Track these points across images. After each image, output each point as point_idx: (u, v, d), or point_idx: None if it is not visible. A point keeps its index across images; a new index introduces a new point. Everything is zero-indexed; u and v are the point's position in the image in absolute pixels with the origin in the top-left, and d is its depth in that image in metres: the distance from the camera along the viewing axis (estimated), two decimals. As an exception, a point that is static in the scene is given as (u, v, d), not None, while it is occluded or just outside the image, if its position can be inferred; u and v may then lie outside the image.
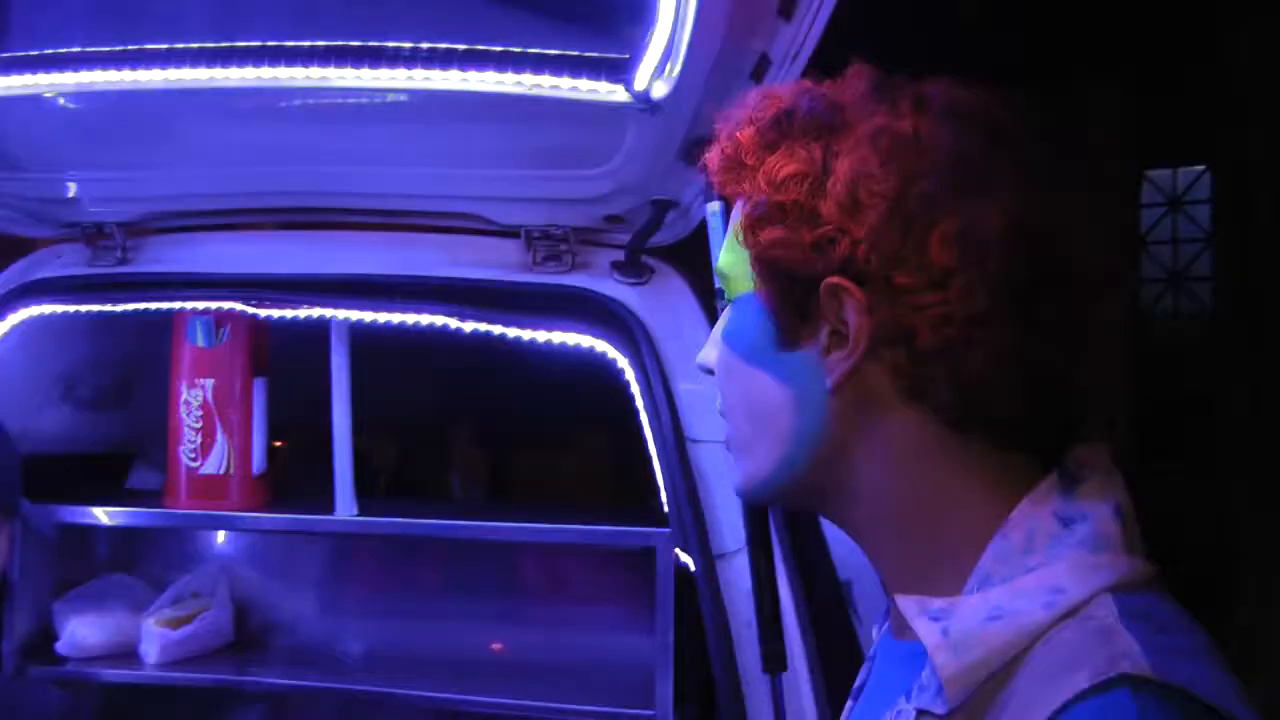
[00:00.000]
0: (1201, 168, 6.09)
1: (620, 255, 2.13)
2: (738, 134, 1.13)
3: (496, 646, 2.53)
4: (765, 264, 1.07)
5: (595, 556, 2.52)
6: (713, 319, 2.04)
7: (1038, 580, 0.96)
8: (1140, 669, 0.86)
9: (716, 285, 1.21)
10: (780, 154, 1.08)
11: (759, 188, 1.08)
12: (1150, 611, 0.93)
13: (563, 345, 2.13)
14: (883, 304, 1.00)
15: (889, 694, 1.08)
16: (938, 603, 1.00)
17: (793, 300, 1.06)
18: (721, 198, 1.20)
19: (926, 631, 0.98)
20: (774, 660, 1.68)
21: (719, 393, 1.18)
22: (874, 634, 1.29)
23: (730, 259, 1.14)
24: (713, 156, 1.16)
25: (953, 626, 0.97)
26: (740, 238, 1.11)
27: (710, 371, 1.19)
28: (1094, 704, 0.85)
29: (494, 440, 3.45)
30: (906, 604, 1.01)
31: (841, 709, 1.37)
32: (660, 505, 2.15)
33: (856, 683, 1.26)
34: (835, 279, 1.02)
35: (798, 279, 1.05)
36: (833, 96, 1.09)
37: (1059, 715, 0.86)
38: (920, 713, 0.99)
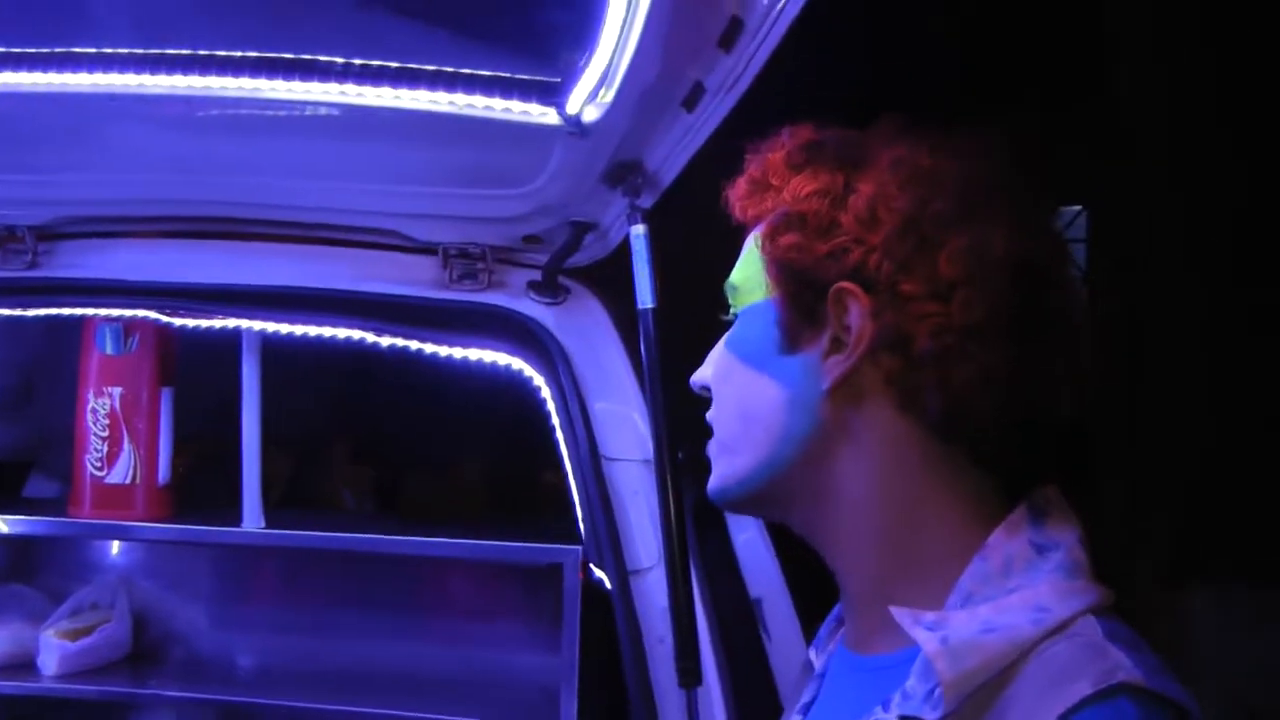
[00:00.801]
0: (1078, 208, 6.24)
1: (537, 275, 2.16)
2: (768, 156, 1.21)
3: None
4: (781, 266, 1.15)
5: (499, 572, 2.53)
6: (627, 339, 2.09)
7: (1021, 600, 1.03)
8: (1136, 679, 0.94)
9: (729, 305, 1.26)
10: (806, 174, 1.17)
11: (782, 201, 1.17)
12: (1123, 634, 1.01)
13: (478, 362, 2.15)
14: (887, 309, 1.08)
15: (851, 708, 1.12)
16: (929, 616, 1.05)
17: (801, 304, 1.13)
18: (739, 222, 1.27)
19: (925, 639, 1.03)
20: (689, 675, 1.70)
21: (713, 399, 1.24)
22: (812, 656, 1.34)
23: (744, 273, 1.22)
24: (739, 182, 1.24)
25: (950, 636, 1.02)
26: (759, 245, 1.19)
27: (705, 389, 1.26)
28: (1099, 709, 0.92)
29: (382, 456, 3.43)
30: (901, 614, 1.06)
31: None
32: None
33: (803, 699, 1.29)
34: (845, 283, 1.09)
35: (808, 282, 1.12)
36: (856, 138, 1.19)
37: (1067, 718, 0.92)
38: None
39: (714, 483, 1.24)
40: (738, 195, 1.25)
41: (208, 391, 2.52)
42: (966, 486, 1.11)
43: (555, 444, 2.13)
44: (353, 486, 3.38)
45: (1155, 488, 4.92)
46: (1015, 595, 1.03)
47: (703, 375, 1.27)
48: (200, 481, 2.69)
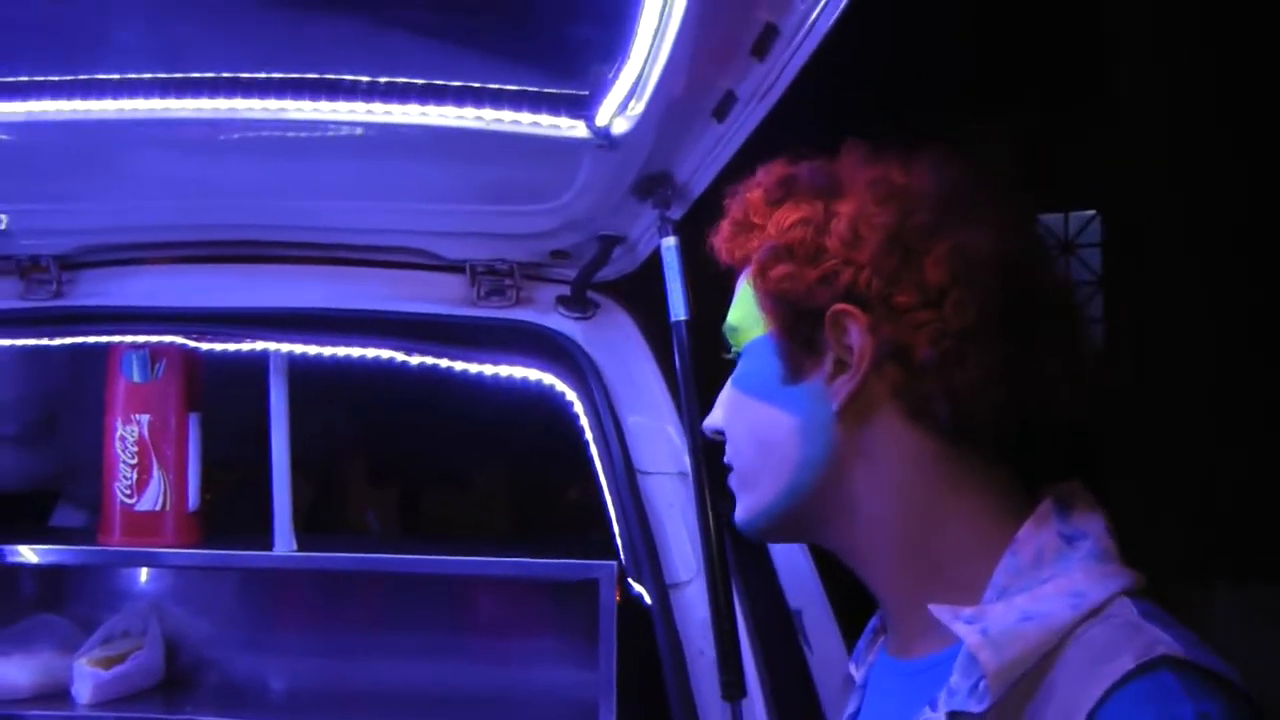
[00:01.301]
0: (1092, 212, 6.25)
1: (565, 290, 2.15)
2: (747, 197, 1.25)
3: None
4: (775, 298, 1.18)
5: (532, 590, 2.51)
6: (656, 352, 2.08)
7: (1056, 588, 1.06)
8: (1176, 652, 0.96)
9: (726, 342, 1.30)
10: (786, 207, 1.20)
11: (768, 236, 1.20)
12: (1158, 614, 1.03)
13: (499, 378, 2.15)
14: (884, 324, 1.11)
15: (897, 712, 1.16)
16: (967, 610, 1.07)
17: (799, 332, 1.17)
18: (729, 266, 1.30)
19: (966, 633, 1.05)
20: (733, 688, 1.69)
21: (728, 438, 1.27)
22: (852, 670, 1.36)
23: (740, 312, 1.26)
24: (724, 225, 1.28)
25: (990, 627, 1.04)
26: (751, 284, 1.22)
27: (718, 432, 1.30)
28: (1142, 683, 0.95)
29: (403, 474, 3.43)
30: (940, 611, 1.09)
31: None
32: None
33: (847, 712, 1.33)
34: (840, 305, 1.13)
35: (803, 311, 1.15)
36: (828, 167, 1.22)
37: (1110, 695, 0.95)
38: (953, 715, 1.05)
39: (740, 515, 1.28)
40: (723, 239, 1.29)
41: (234, 417, 2.51)
42: (986, 486, 1.14)
43: (581, 459, 2.13)
44: (377, 508, 3.38)
45: (1166, 486, 4.92)
46: (1049, 584, 1.06)
47: (714, 420, 1.31)
48: (231, 509, 2.68)
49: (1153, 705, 0.94)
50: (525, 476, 3.40)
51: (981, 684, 1.03)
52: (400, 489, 3.45)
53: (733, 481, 1.28)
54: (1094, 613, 1.03)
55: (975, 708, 1.03)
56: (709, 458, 1.77)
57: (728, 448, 1.28)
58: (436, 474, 3.41)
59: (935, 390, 1.11)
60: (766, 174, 1.25)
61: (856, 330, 1.12)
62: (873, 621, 1.35)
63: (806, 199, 1.19)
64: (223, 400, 2.51)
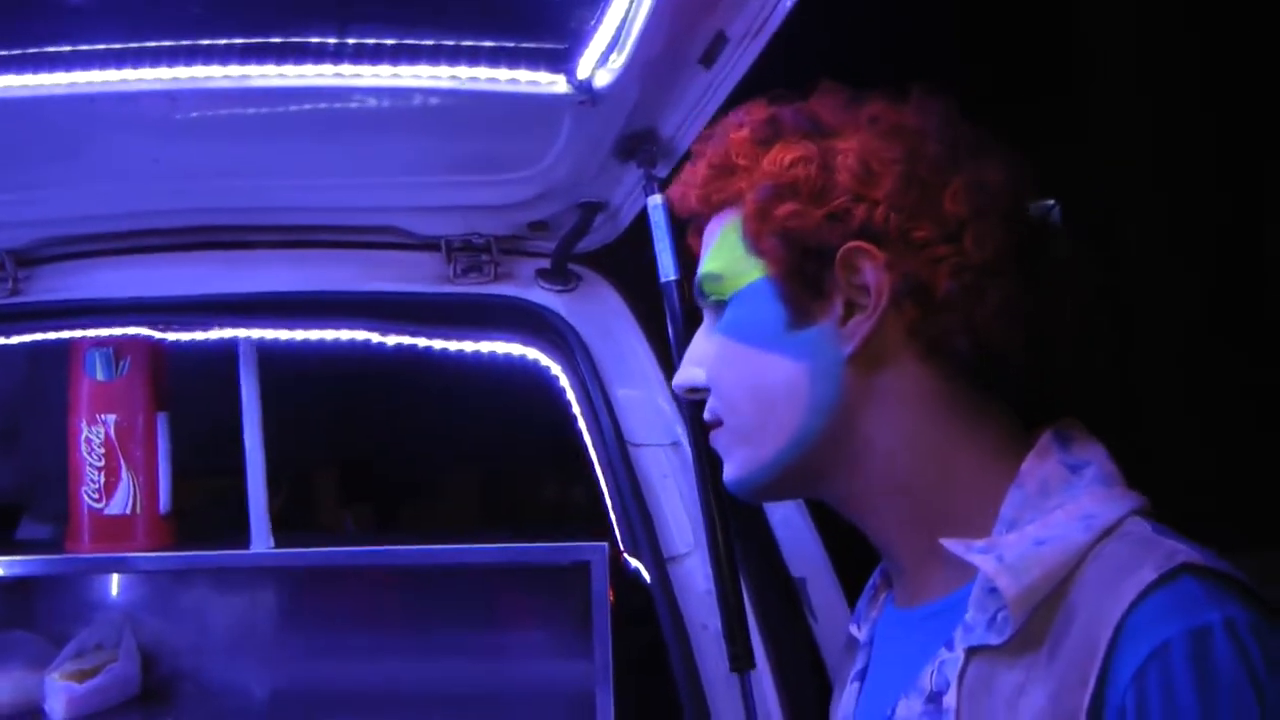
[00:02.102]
0: (1051, 202, 6.27)
1: (544, 263, 2.08)
2: (731, 138, 1.22)
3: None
4: (780, 238, 1.14)
5: (520, 579, 2.45)
6: (650, 322, 2.02)
7: (1066, 514, 1.05)
8: (1194, 560, 0.97)
9: (699, 291, 1.26)
10: (778, 148, 1.18)
11: (762, 176, 1.17)
12: (1170, 531, 1.04)
13: (490, 355, 2.08)
14: (902, 260, 1.10)
15: (911, 660, 1.13)
16: (979, 543, 1.07)
17: (806, 275, 1.14)
18: (680, 212, 1.26)
19: (983, 562, 1.04)
20: (741, 659, 1.64)
21: (714, 392, 1.23)
22: (854, 630, 1.33)
23: (723, 259, 1.22)
24: (697, 169, 1.25)
25: (1005, 554, 1.03)
26: (738, 227, 1.19)
27: (693, 390, 1.27)
28: (1164, 593, 0.95)
29: (374, 484, 3.36)
30: (953, 545, 1.08)
31: (805, 704, 1.41)
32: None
33: (854, 669, 1.30)
34: (854, 243, 1.11)
35: (811, 250, 1.13)
36: (808, 109, 1.21)
37: (1135, 608, 0.94)
38: (971, 651, 1.05)
39: (737, 473, 1.23)
40: (696, 183, 1.25)
41: (204, 423, 2.44)
42: (990, 425, 1.14)
43: (560, 459, 2.08)
44: (352, 515, 3.31)
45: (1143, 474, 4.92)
46: (1059, 511, 1.06)
47: (690, 377, 1.26)
48: (206, 518, 2.60)
49: (1179, 614, 0.94)
50: (500, 476, 3.34)
51: (1001, 614, 1.02)
52: (375, 499, 3.37)
53: (722, 439, 1.24)
54: (1107, 533, 1.03)
55: (995, 640, 1.02)
56: (705, 424, 1.72)
57: (714, 404, 1.24)
58: (412, 482, 3.35)
59: (954, 326, 1.09)
60: (747, 114, 1.23)
61: (873, 268, 1.10)
62: (872, 579, 1.34)
63: (797, 139, 1.17)
64: (194, 408, 2.44)
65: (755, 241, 1.17)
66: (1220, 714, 0.90)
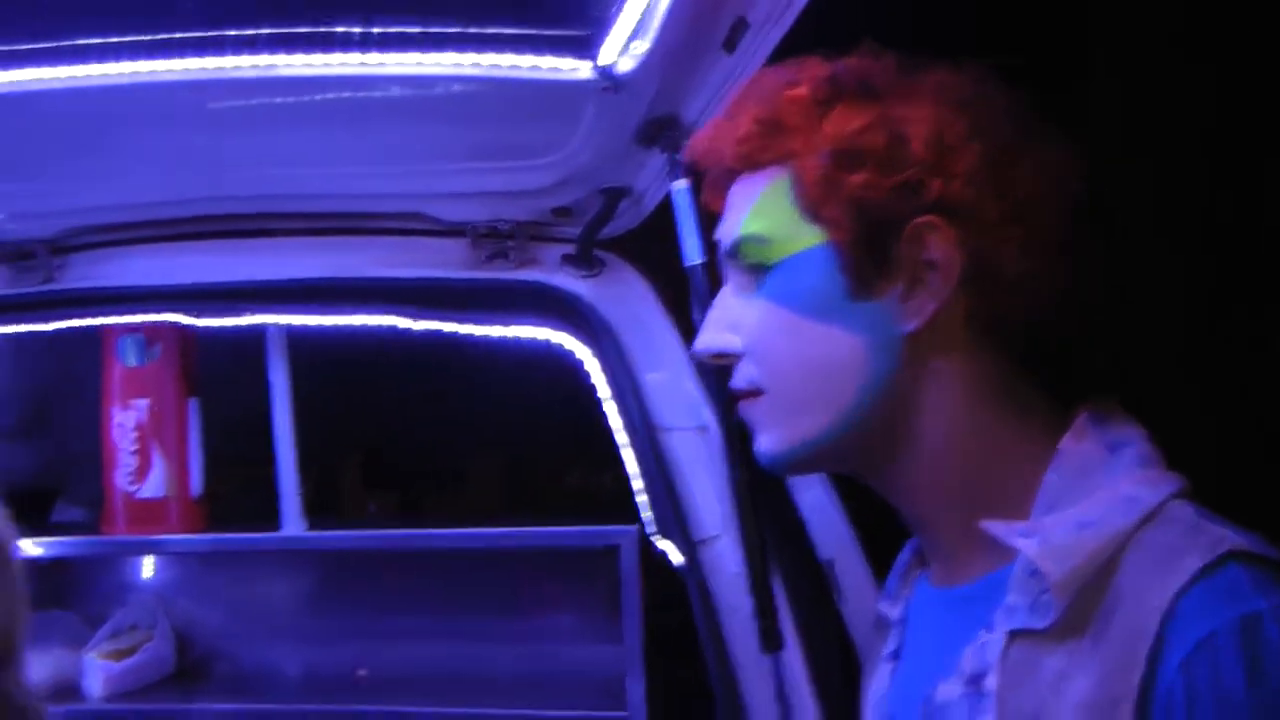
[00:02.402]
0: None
1: (569, 249, 2.09)
2: (787, 95, 1.15)
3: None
4: (852, 207, 1.09)
5: (549, 563, 2.46)
6: (676, 308, 2.02)
7: (1107, 496, 1.03)
8: (1241, 546, 0.95)
9: (733, 252, 1.19)
10: (841, 110, 1.12)
11: (825, 140, 1.11)
12: (1214, 516, 1.01)
13: (514, 341, 2.10)
14: (972, 238, 1.06)
15: (947, 641, 1.11)
16: (1020, 525, 1.05)
17: (873, 246, 1.09)
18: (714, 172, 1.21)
19: (1025, 545, 1.02)
20: (772, 640, 1.65)
21: (754, 360, 1.16)
22: (883, 609, 1.30)
23: (771, 221, 1.15)
24: (738, 123, 1.17)
25: (1049, 538, 1.01)
26: (788, 190, 1.13)
27: (720, 356, 1.20)
28: (1212, 581, 0.93)
29: (401, 465, 3.38)
30: (995, 527, 1.06)
31: (834, 684, 1.39)
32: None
33: (887, 649, 1.27)
34: (926, 217, 1.07)
35: (881, 222, 1.08)
36: (865, 69, 1.15)
37: (1181, 596, 0.93)
38: (1013, 634, 1.03)
39: (775, 446, 1.17)
40: (736, 138, 1.18)
41: (232, 410, 2.47)
42: (1033, 405, 1.11)
43: (591, 426, 2.08)
44: (378, 501, 3.33)
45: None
46: (1100, 493, 1.04)
47: (723, 341, 1.19)
48: (236, 503, 2.63)
49: (1226, 603, 0.92)
50: (523, 466, 3.35)
51: (1044, 597, 1.01)
52: (399, 486, 3.39)
53: (758, 410, 1.18)
54: (1149, 517, 1.00)
55: (1038, 624, 1.01)
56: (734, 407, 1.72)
57: (752, 372, 1.17)
58: (435, 469, 3.35)
59: (1016, 306, 1.07)
60: (802, 72, 1.16)
61: (943, 244, 1.07)
62: (902, 557, 1.31)
63: (860, 102, 1.12)
64: (222, 396, 2.47)
65: (816, 208, 1.11)
66: (1270, 703, 0.89)
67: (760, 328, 1.15)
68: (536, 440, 3.04)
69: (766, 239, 1.15)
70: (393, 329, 2.10)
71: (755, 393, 1.17)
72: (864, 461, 1.17)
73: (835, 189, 1.10)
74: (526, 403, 2.49)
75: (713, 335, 1.20)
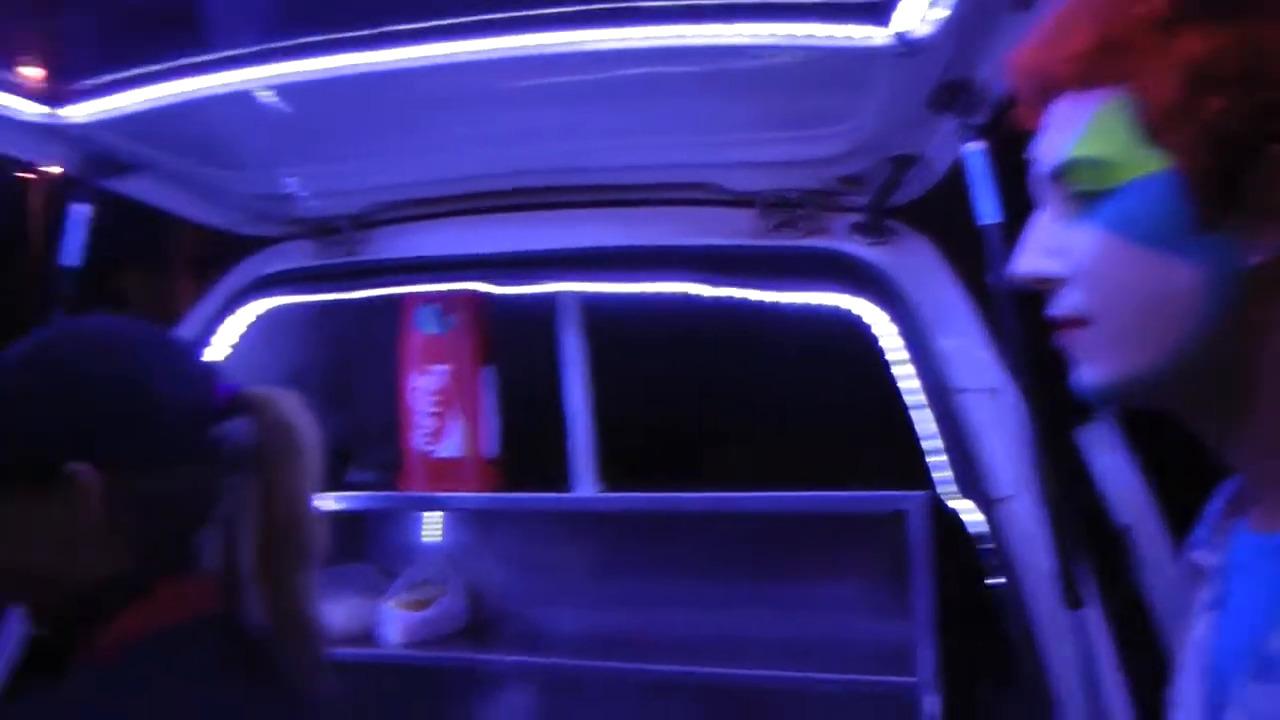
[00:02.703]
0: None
1: (855, 218, 2.11)
2: (1131, 12, 1.07)
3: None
4: (1207, 131, 1.02)
5: (832, 529, 2.44)
6: (970, 274, 2.01)
7: None
8: None
9: (1060, 175, 1.10)
10: (1191, 31, 1.04)
11: (1174, 62, 1.04)
12: None
13: (805, 306, 2.12)
14: None
15: (1276, 589, 1.05)
16: None
17: (1225, 174, 1.02)
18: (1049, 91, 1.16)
19: None
20: (1074, 595, 1.64)
21: (1081, 287, 1.10)
22: (1199, 558, 1.25)
23: (1108, 144, 1.08)
24: (1072, 38, 1.09)
25: None
26: (1135, 115, 1.06)
27: (1042, 280, 1.12)
28: None
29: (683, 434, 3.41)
30: None
31: (1138, 644, 1.33)
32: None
33: (1207, 599, 1.22)
34: None
35: (1236, 149, 1.01)
36: None
37: None
38: None
39: (1101, 379, 1.11)
40: (1069, 54, 1.09)
41: (520, 382, 2.55)
42: None
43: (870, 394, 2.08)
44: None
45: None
46: None
47: (1044, 265, 1.12)
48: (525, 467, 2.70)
49: None
50: (797, 435, 3.33)
51: None
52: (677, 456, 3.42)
53: (1084, 339, 1.11)
54: None
55: None
56: (1032, 370, 1.71)
57: (1078, 300, 1.10)
58: (711, 434, 3.38)
59: None
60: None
61: None
62: (1214, 504, 1.22)
63: (1212, 22, 1.03)
64: (510, 369, 2.56)
65: (1164, 133, 1.05)
66: None
67: (1091, 255, 1.09)
68: (812, 411, 3.03)
69: (1104, 162, 1.09)
70: (680, 297, 2.14)
71: (1079, 321, 1.12)
72: (1188, 399, 1.11)
73: (1188, 114, 1.03)
74: (802, 374, 2.48)
75: (1033, 259, 1.14)
